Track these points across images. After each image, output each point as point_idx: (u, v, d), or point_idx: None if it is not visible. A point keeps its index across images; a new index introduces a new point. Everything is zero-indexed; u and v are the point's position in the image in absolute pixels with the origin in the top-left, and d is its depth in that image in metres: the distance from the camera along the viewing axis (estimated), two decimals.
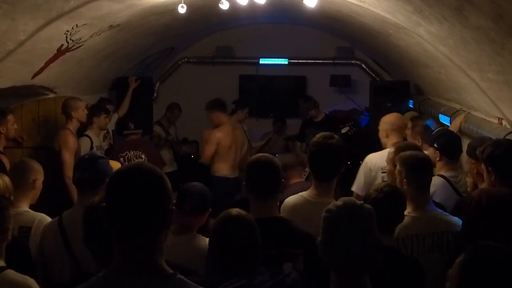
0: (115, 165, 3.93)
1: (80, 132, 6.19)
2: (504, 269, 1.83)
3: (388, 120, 4.89)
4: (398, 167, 3.42)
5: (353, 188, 4.61)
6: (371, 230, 2.13)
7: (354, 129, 7.03)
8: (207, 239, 3.00)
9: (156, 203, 1.71)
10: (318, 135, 3.38)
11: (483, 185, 3.43)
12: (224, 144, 6.51)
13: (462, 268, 1.86)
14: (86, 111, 6.11)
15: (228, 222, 2.47)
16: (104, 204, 1.75)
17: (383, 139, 4.81)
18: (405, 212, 3.16)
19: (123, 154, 6.28)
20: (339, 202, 2.22)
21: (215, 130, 6.61)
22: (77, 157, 5.17)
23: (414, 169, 3.32)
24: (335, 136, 3.39)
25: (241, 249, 2.40)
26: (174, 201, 2.32)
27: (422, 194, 3.31)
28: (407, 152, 3.47)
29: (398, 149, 3.89)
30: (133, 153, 6.38)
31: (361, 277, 2.10)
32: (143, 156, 6.32)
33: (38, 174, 3.74)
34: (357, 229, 2.09)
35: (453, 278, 1.88)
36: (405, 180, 3.30)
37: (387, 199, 2.89)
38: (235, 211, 2.51)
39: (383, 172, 4.39)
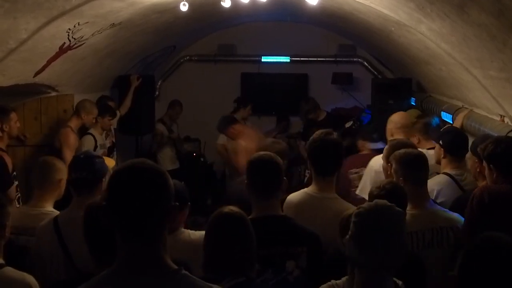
0: (109, 162, 3.94)
1: (84, 130, 6.22)
2: (504, 258, 1.87)
3: (393, 119, 4.85)
4: (393, 165, 3.44)
5: (358, 192, 4.51)
6: (399, 231, 2.16)
7: (358, 123, 7.02)
8: (196, 232, 3.02)
9: (158, 201, 1.71)
10: (317, 132, 3.42)
11: (483, 183, 3.43)
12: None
13: (464, 257, 1.91)
14: (94, 120, 6.19)
15: (220, 220, 2.48)
16: (104, 203, 1.75)
17: (389, 138, 4.75)
18: None
19: (356, 170, 5.32)
20: (371, 202, 2.26)
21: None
22: None
23: (410, 166, 3.34)
24: (334, 132, 3.44)
25: (234, 246, 2.40)
26: None
27: (420, 191, 3.33)
28: (402, 150, 3.49)
29: (392, 147, 3.90)
30: None
31: (385, 275, 2.14)
32: None
33: (63, 174, 3.67)
34: (387, 229, 2.12)
35: (458, 267, 1.93)
36: (401, 178, 3.32)
37: (389, 196, 2.89)
38: (228, 208, 2.52)
39: None
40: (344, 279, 2.29)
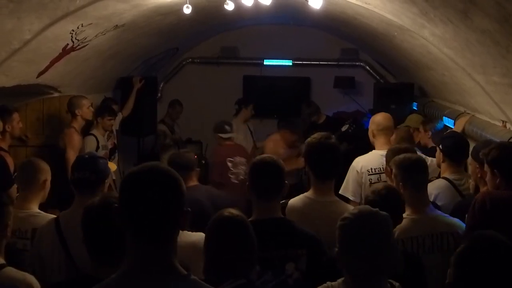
0: (111, 166, 3.94)
1: (86, 131, 6.22)
2: (497, 257, 1.87)
3: (375, 121, 4.67)
4: (393, 170, 3.44)
5: (341, 191, 4.40)
6: (387, 236, 2.16)
7: (354, 126, 6.98)
8: (196, 234, 3.04)
9: (171, 204, 1.71)
10: (315, 136, 3.39)
11: (485, 188, 3.43)
12: None
13: (458, 255, 1.92)
14: (91, 109, 6.16)
15: (221, 223, 2.48)
16: (116, 204, 1.75)
17: (371, 139, 4.65)
18: (404, 215, 3.18)
19: (232, 159, 6.23)
20: (355, 210, 2.26)
21: None
22: None
23: (409, 171, 3.33)
24: (332, 136, 3.42)
25: (234, 249, 2.40)
26: None
27: (420, 196, 3.32)
28: (401, 155, 3.48)
29: (392, 152, 3.90)
30: (239, 159, 6.28)
31: (379, 279, 2.15)
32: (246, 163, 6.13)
33: (47, 174, 3.67)
34: (374, 235, 2.12)
35: (451, 265, 1.95)
36: (400, 183, 3.31)
37: (384, 201, 2.90)
38: (228, 211, 2.52)
39: (369, 175, 4.32)
40: (340, 280, 2.28)
